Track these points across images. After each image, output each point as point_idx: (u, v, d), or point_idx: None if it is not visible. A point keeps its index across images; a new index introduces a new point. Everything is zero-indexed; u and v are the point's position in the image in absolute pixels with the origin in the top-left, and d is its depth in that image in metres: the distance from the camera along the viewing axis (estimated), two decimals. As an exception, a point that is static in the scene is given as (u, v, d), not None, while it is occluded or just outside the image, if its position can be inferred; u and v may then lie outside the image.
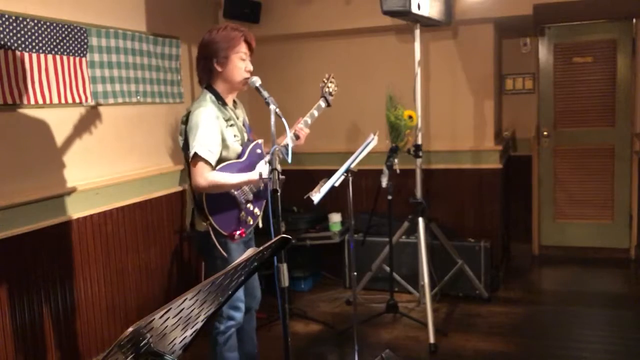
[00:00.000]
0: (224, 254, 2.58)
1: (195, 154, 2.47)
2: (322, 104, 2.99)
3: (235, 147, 2.61)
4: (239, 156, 2.63)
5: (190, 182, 2.57)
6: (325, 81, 3.02)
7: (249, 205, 2.64)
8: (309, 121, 2.89)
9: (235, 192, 2.58)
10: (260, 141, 2.77)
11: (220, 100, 2.62)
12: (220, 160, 2.57)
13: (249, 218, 2.65)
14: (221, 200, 2.55)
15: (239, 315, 2.68)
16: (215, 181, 2.48)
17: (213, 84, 2.64)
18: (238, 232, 2.57)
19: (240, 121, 2.72)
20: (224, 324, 2.66)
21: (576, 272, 4.97)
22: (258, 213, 2.71)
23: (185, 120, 2.58)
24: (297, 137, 2.79)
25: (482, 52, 4.53)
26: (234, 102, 2.75)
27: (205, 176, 2.47)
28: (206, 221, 2.55)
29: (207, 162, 2.48)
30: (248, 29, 2.70)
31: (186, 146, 2.55)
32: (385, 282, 4.22)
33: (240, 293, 2.69)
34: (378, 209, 4.26)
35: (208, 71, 2.62)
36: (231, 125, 2.62)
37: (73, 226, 3.14)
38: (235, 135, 2.62)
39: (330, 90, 3.03)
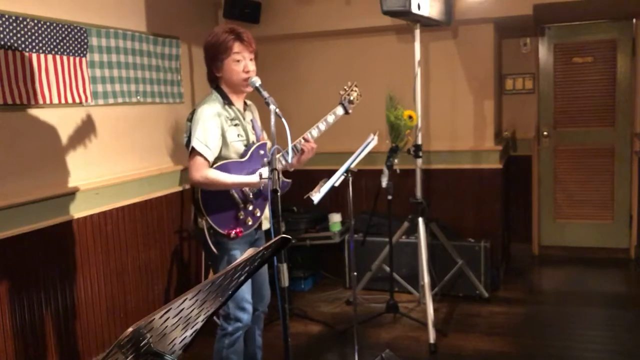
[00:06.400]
0: (215, 251, 2.60)
1: (193, 148, 2.51)
2: (340, 111, 2.93)
3: (237, 146, 2.62)
4: (242, 156, 2.64)
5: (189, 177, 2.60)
6: (347, 89, 2.97)
7: (248, 205, 2.65)
8: (323, 127, 2.81)
9: (234, 192, 2.59)
10: (266, 142, 2.77)
11: (227, 100, 2.65)
12: (221, 157, 2.59)
13: (249, 218, 2.65)
14: (218, 198, 2.57)
15: (245, 317, 2.67)
16: (211, 177, 2.51)
17: (219, 85, 2.69)
18: (234, 232, 2.58)
19: (249, 123, 2.73)
20: (231, 325, 2.65)
21: (576, 272, 4.97)
22: (259, 214, 2.70)
23: (191, 118, 2.62)
24: (302, 151, 2.71)
25: (482, 52, 4.53)
26: (245, 104, 2.77)
27: (201, 171, 2.51)
28: (203, 218, 2.58)
29: (203, 157, 2.51)
30: (248, 29, 2.70)
31: (189, 142, 2.58)
32: (385, 282, 4.22)
33: (247, 294, 2.68)
34: (378, 209, 4.26)
35: (212, 75, 2.68)
36: (235, 125, 2.64)
37: (73, 226, 3.14)
38: (238, 135, 2.64)
39: (352, 98, 2.97)
